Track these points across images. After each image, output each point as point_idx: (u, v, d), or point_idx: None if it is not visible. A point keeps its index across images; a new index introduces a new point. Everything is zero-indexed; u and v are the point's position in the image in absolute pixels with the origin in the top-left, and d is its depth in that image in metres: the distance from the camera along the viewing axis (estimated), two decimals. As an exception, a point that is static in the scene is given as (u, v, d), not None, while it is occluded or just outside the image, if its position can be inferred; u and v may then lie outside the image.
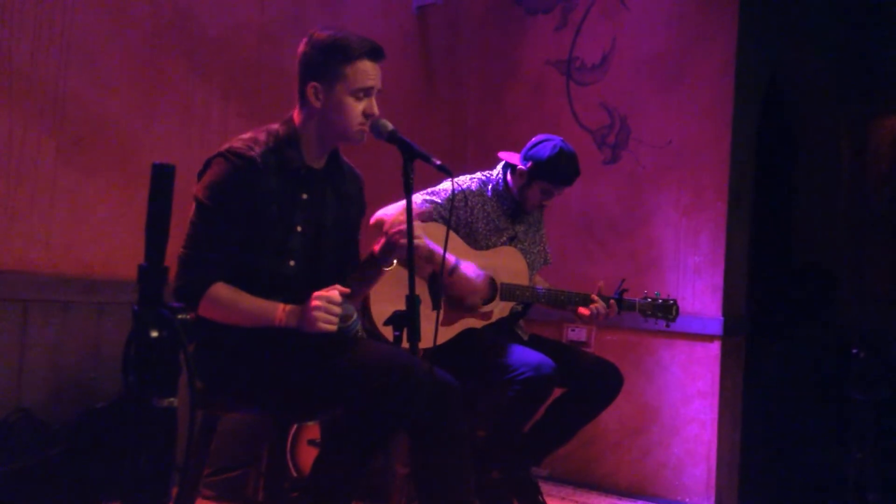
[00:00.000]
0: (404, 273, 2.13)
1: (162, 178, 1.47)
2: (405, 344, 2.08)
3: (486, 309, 2.99)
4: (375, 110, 2.24)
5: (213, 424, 2.36)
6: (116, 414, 2.58)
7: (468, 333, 2.95)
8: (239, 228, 2.16)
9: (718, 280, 3.88)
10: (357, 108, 2.23)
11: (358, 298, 2.47)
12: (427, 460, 2.20)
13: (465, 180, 3.10)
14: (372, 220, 2.85)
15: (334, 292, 2.14)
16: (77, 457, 2.44)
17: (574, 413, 3.03)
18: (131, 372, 1.40)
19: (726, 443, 3.92)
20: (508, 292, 2.99)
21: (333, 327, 2.12)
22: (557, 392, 2.97)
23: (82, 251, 2.95)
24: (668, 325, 3.15)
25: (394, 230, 2.24)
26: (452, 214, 2.99)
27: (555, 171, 3.01)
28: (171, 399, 1.41)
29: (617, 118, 4.22)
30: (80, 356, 2.94)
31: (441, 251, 2.80)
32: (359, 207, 2.51)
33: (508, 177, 3.11)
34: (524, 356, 2.80)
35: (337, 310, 2.12)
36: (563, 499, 3.94)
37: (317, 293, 2.13)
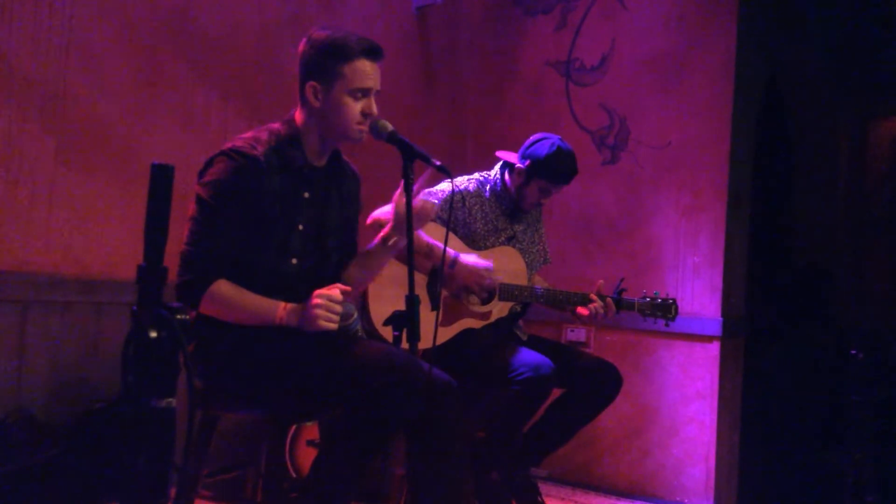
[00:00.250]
0: (404, 273, 2.13)
1: (161, 178, 1.47)
2: (404, 344, 2.08)
3: (484, 309, 2.99)
4: (374, 110, 2.24)
5: (212, 424, 2.35)
6: (115, 414, 2.58)
7: (467, 334, 2.95)
8: (241, 227, 2.17)
9: (717, 280, 3.89)
10: (355, 107, 2.23)
11: (360, 288, 2.47)
12: (423, 461, 2.20)
13: (463, 181, 3.11)
14: (369, 221, 2.85)
15: (335, 291, 2.14)
16: (76, 457, 2.44)
17: (573, 414, 3.03)
18: (130, 372, 1.40)
19: (725, 443, 3.93)
20: (507, 292, 2.99)
21: (334, 326, 2.13)
22: (557, 393, 2.98)
23: (81, 252, 2.95)
24: (667, 325, 3.15)
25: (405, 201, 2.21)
26: (451, 215, 2.99)
27: (553, 170, 3.01)
28: (170, 399, 1.41)
29: (616, 119, 4.22)
30: (79, 356, 2.93)
31: (440, 245, 2.80)
32: (357, 206, 2.52)
33: (506, 176, 3.11)
34: (523, 357, 2.80)
35: (338, 308, 2.13)
36: (562, 499, 3.94)
37: (318, 291, 2.13)
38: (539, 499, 3.03)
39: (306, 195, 2.29)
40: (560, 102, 4.40)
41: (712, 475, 3.84)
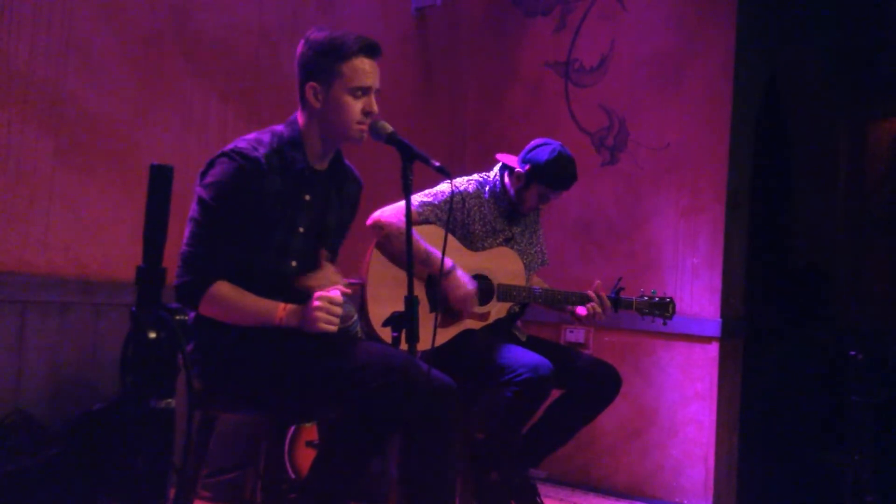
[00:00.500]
0: (403, 275, 2.13)
1: (160, 179, 1.47)
2: (403, 345, 2.08)
3: (483, 310, 2.99)
4: (375, 108, 2.24)
5: (211, 425, 2.35)
6: (114, 415, 2.57)
7: (466, 335, 2.95)
8: (241, 228, 2.17)
9: (717, 281, 3.89)
10: (356, 106, 2.23)
11: None
12: (421, 461, 2.20)
13: (462, 182, 3.11)
14: (369, 221, 2.85)
15: (336, 292, 2.14)
16: (75, 458, 2.44)
17: (572, 415, 3.03)
18: (129, 373, 1.41)
19: (724, 444, 3.93)
20: (505, 293, 2.99)
21: (334, 328, 2.13)
22: (556, 394, 2.98)
23: (80, 252, 2.95)
24: (664, 323, 3.15)
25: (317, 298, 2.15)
26: (450, 216, 2.99)
27: (553, 175, 3.01)
28: (169, 400, 1.42)
29: (615, 120, 4.22)
30: (77, 357, 2.93)
31: (438, 254, 2.80)
32: (353, 211, 2.52)
33: (506, 178, 3.11)
34: (522, 357, 2.80)
35: (338, 310, 2.13)
36: (561, 500, 3.94)
37: (318, 293, 2.13)
38: (538, 499, 3.03)
39: (307, 198, 2.29)
40: (559, 103, 4.40)
41: (711, 476, 3.84)
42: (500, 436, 2.86)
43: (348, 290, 2.19)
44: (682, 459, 3.92)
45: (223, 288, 2.14)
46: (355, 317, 2.22)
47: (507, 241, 3.10)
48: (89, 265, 2.97)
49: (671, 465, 3.94)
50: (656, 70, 4.11)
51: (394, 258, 2.85)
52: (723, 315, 3.87)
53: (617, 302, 3.09)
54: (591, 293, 3.04)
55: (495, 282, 2.99)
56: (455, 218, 3.02)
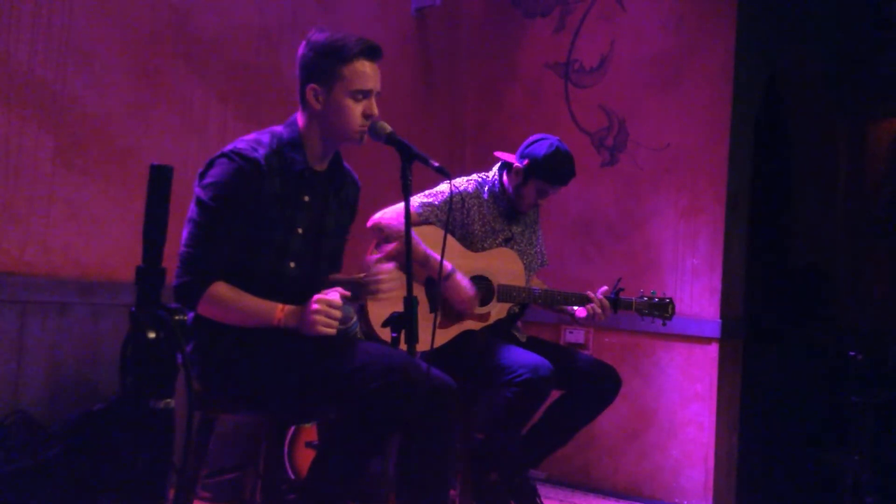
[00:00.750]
0: (402, 275, 2.13)
1: (160, 179, 1.47)
2: (403, 346, 2.08)
3: (483, 310, 2.99)
4: (375, 111, 2.24)
5: (211, 426, 2.35)
6: (114, 415, 2.57)
7: (466, 335, 2.95)
8: (240, 229, 2.17)
9: (716, 282, 3.89)
10: (356, 109, 2.23)
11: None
12: (416, 459, 2.21)
13: (462, 182, 3.10)
14: (369, 223, 2.85)
15: (335, 295, 2.14)
16: (74, 458, 2.44)
17: (572, 415, 3.03)
18: (129, 373, 1.40)
19: (724, 445, 3.93)
20: (505, 293, 2.99)
21: (333, 331, 2.13)
22: (556, 394, 2.98)
23: (80, 253, 2.95)
24: (664, 324, 3.15)
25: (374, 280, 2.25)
26: (450, 217, 2.99)
27: (551, 170, 3.01)
28: (169, 400, 1.41)
29: (615, 121, 4.22)
30: (77, 358, 2.93)
31: (437, 257, 2.80)
32: (353, 213, 2.52)
33: (504, 177, 3.11)
34: (522, 358, 2.80)
35: (337, 314, 2.13)
36: (560, 501, 3.94)
37: (317, 296, 2.13)
38: (538, 500, 3.03)
39: (306, 199, 2.29)
40: (559, 104, 4.40)
41: (711, 477, 3.84)
42: (499, 436, 2.86)
43: (348, 293, 2.19)
44: (682, 460, 3.92)
45: (221, 289, 2.15)
46: (355, 318, 2.22)
47: (507, 242, 3.10)
48: (89, 266, 2.97)
49: (671, 466, 3.94)
50: (656, 71, 4.11)
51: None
52: (722, 316, 3.87)
53: (616, 302, 3.09)
54: (590, 294, 3.05)
55: (495, 282, 2.99)
56: (454, 218, 3.02)
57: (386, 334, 2.29)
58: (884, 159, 6.00)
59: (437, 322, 2.82)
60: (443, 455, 2.23)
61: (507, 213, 3.12)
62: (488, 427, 2.87)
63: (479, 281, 2.97)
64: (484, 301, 2.99)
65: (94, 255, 2.99)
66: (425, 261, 2.84)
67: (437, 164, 2.13)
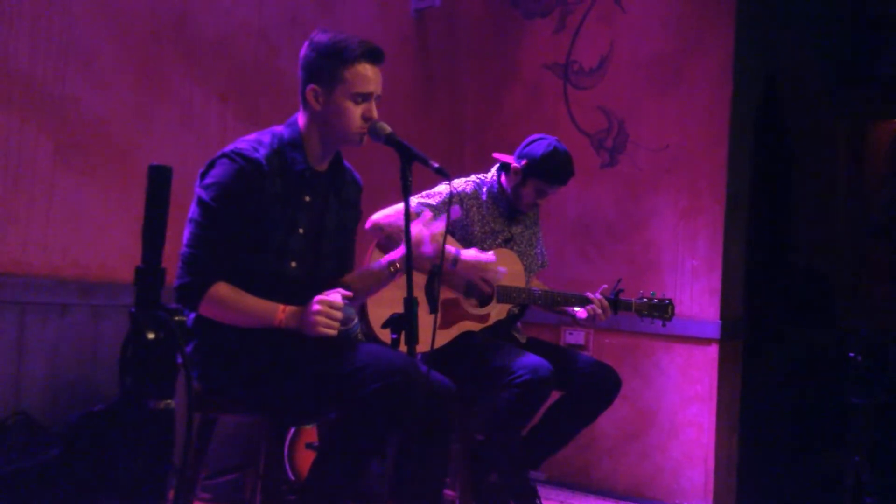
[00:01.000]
0: (401, 276, 2.12)
1: (159, 180, 1.47)
2: (403, 347, 2.08)
3: (482, 311, 2.98)
4: (375, 114, 2.24)
5: (211, 426, 2.36)
6: (114, 416, 2.57)
7: (465, 336, 2.95)
8: (241, 229, 2.17)
9: (716, 283, 3.89)
10: (356, 111, 2.23)
11: (358, 302, 2.47)
12: (414, 460, 2.21)
13: (460, 183, 3.10)
14: (368, 224, 2.85)
15: (336, 296, 2.14)
16: (74, 459, 2.44)
17: (572, 416, 3.03)
18: (129, 374, 1.41)
19: (724, 446, 3.92)
20: (505, 294, 2.99)
21: (334, 332, 2.13)
22: (556, 395, 2.97)
23: (79, 253, 2.95)
24: (664, 325, 3.16)
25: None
26: (449, 218, 2.99)
27: (549, 170, 3.01)
28: (169, 401, 1.41)
29: (615, 122, 4.22)
30: (77, 358, 2.93)
31: (443, 247, 2.79)
32: (356, 213, 2.52)
33: (503, 178, 3.11)
34: (521, 359, 2.80)
35: (338, 315, 2.13)
36: (560, 502, 3.94)
37: (318, 297, 2.13)
38: (538, 502, 3.02)
39: (307, 199, 2.29)
40: (558, 105, 4.40)
41: (711, 478, 3.84)
42: (499, 437, 2.86)
43: (349, 294, 2.19)
44: (682, 461, 3.91)
45: (223, 289, 2.15)
46: (356, 319, 2.22)
47: (507, 242, 3.10)
48: (88, 266, 2.97)
49: (671, 467, 3.94)
50: (655, 71, 4.11)
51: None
52: (722, 317, 3.87)
53: (616, 303, 3.09)
54: (590, 295, 3.05)
55: (495, 283, 2.99)
56: (454, 219, 3.02)
57: (386, 336, 2.29)
58: (883, 161, 6.01)
59: (437, 323, 2.82)
60: (439, 457, 2.24)
61: (507, 214, 3.12)
62: (488, 428, 2.87)
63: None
64: (483, 302, 2.99)
65: (94, 256, 2.99)
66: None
67: (436, 165, 2.13)
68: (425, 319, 2.58)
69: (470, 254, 2.82)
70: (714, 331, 3.86)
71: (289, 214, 2.25)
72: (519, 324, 3.20)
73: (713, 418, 3.85)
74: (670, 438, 3.95)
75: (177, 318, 1.41)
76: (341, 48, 2.20)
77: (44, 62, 2.83)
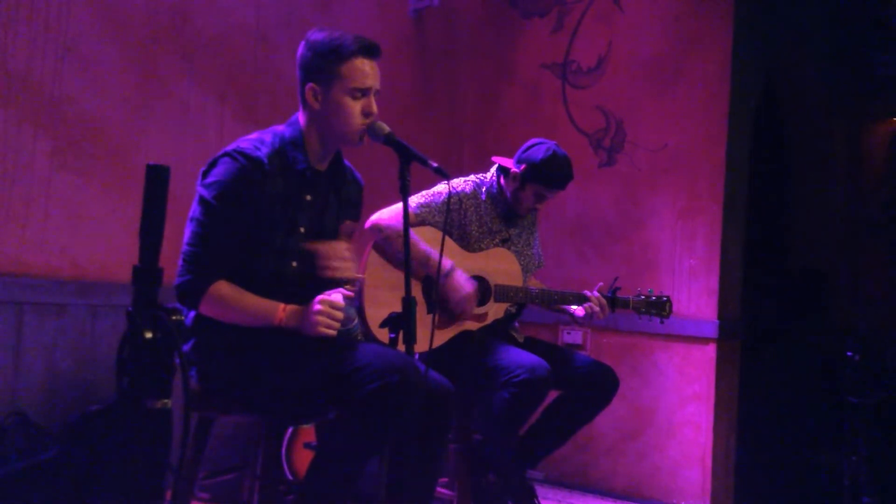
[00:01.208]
0: (399, 277, 2.12)
1: (157, 179, 1.47)
2: (401, 346, 2.08)
3: (480, 311, 2.99)
4: (374, 109, 2.24)
5: (209, 426, 2.35)
6: (112, 416, 2.57)
7: (464, 336, 2.95)
8: (242, 228, 2.17)
9: (714, 283, 3.89)
10: (355, 107, 2.22)
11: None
12: (410, 460, 2.21)
13: (459, 183, 3.11)
14: (367, 224, 2.85)
15: (337, 296, 2.14)
16: (72, 459, 2.44)
17: (570, 416, 3.03)
18: (126, 374, 1.40)
19: (721, 445, 3.93)
20: (503, 293, 2.99)
21: (334, 332, 2.12)
22: (553, 395, 2.98)
23: (77, 253, 2.94)
24: (662, 322, 3.15)
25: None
26: (448, 218, 2.99)
27: (548, 175, 3.01)
28: (166, 400, 1.41)
29: (613, 121, 4.22)
30: (74, 358, 2.93)
31: (436, 255, 2.80)
32: (356, 212, 2.52)
33: (502, 180, 3.11)
34: (519, 358, 2.80)
35: (339, 315, 2.12)
36: (558, 502, 3.94)
37: (320, 297, 2.13)
38: (536, 501, 3.02)
39: (308, 198, 2.29)
40: (557, 105, 4.41)
41: (709, 477, 3.84)
42: (497, 437, 2.86)
43: (350, 294, 2.18)
44: (680, 460, 3.92)
45: (223, 288, 2.14)
46: (356, 319, 2.21)
47: (504, 242, 3.10)
48: (86, 266, 2.97)
49: (668, 467, 3.94)
50: (654, 71, 4.11)
51: (392, 260, 2.85)
52: (720, 316, 3.87)
53: (614, 301, 3.09)
54: (587, 293, 3.05)
55: (492, 283, 2.99)
56: (452, 219, 3.02)
57: (384, 336, 2.29)
58: (880, 161, 6.02)
59: (435, 322, 2.82)
60: (434, 457, 2.24)
61: (505, 215, 3.12)
62: (486, 427, 2.87)
63: (477, 281, 2.96)
64: (481, 301, 2.99)
65: (92, 256, 2.99)
66: (426, 260, 2.84)
67: (435, 165, 2.13)
68: (423, 319, 2.58)
69: (461, 279, 2.86)
70: (712, 330, 3.86)
71: (290, 214, 2.24)
72: (517, 323, 3.20)
73: (711, 418, 3.85)
74: (668, 438, 3.95)
75: (174, 318, 1.41)
76: (337, 45, 2.20)
77: (42, 62, 2.82)
